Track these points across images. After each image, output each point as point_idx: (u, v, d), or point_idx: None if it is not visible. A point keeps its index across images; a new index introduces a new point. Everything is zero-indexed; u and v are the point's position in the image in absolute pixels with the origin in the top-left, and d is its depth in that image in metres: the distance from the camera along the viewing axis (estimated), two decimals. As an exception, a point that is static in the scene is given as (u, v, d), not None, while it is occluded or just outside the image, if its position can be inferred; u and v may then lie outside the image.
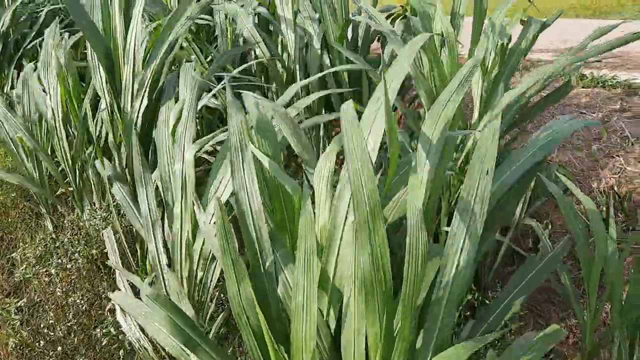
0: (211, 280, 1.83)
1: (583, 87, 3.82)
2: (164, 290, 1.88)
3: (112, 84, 2.12)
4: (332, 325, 1.25)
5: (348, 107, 1.22)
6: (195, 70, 2.11)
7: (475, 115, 2.35)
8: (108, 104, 2.25)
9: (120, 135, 2.24)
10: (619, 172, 2.98)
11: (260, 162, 1.40)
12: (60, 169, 2.84)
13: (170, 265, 1.84)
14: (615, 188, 2.92)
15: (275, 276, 1.29)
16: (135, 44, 2.07)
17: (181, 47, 2.91)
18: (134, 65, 2.10)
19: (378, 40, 3.13)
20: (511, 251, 2.53)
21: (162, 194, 1.97)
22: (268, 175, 1.41)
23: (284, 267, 1.30)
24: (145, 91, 2.09)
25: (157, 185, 2.16)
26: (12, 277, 2.82)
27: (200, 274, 1.80)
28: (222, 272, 1.96)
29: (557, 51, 5.15)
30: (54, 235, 2.67)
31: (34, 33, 4.19)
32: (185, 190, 1.81)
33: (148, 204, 1.77)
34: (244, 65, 2.54)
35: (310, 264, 1.18)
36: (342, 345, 1.19)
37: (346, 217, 1.20)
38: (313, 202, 1.67)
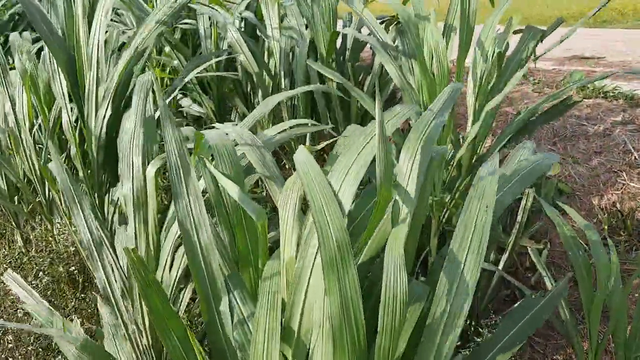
0: (178, 311, 1.67)
1: (584, 98, 3.67)
2: (121, 321, 1.72)
3: (74, 91, 1.97)
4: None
5: (301, 154, 1.09)
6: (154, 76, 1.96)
7: (469, 126, 2.20)
8: (69, 113, 2.10)
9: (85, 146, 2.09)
10: (621, 188, 2.83)
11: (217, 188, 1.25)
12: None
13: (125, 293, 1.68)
14: (618, 205, 2.76)
15: (231, 318, 1.13)
16: (98, 47, 1.92)
17: (160, 52, 2.76)
18: (97, 70, 1.95)
19: (370, 48, 2.98)
20: (507, 272, 2.37)
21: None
22: (229, 202, 1.26)
23: (242, 307, 1.14)
24: (110, 99, 1.93)
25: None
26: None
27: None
28: (191, 297, 1.82)
29: (559, 60, 5.01)
30: (23, 250, 2.53)
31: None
32: (140, 211, 1.66)
33: (89, 227, 1.60)
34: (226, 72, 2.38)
35: (273, 304, 1.03)
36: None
37: (316, 255, 1.04)
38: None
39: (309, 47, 2.58)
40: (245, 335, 1.12)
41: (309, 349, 1.06)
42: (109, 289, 1.70)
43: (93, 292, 2.22)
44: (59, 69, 1.98)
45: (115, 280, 1.73)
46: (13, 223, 2.62)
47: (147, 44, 2.00)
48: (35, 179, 2.48)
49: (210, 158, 1.38)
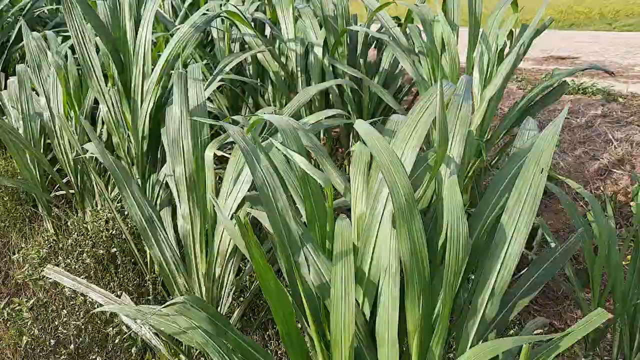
0: (228, 277, 1.86)
1: (566, 94, 3.97)
2: (176, 290, 1.91)
3: (122, 83, 2.14)
4: (367, 314, 1.30)
5: (362, 125, 1.31)
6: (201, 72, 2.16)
7: (476, 112, 2.44)
8: (112, 106, 2.27)
9: (127, 136, 2.26)
10: (604, 174, 3.12)
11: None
12: (56, 168, 2.84)
13: (179, 265, 1.87)
14: (601, 189, 3.05)
15: (308, 268, 1.34)
16: (145, 45, 2.10)
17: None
18: (143, 66, 2.13)
19: (375, 47, 3.21)
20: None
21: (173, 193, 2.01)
22: (295, 171, 1.47)
23: (317, 259, 1.35)
24: (152, 93, 2.12)
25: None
26: (8, 280, 2.80)
27: (217, 270, 1.84)
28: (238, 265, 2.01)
29: (537, 60, 5.34)
30: (55, 237, 2.67)
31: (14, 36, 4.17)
32: (195, 190, 1.85)
33: (140, 207, 1.79)
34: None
35: (347, 255, 1.24)
36: (377, 331, 1.24)
37: (384, 210, 1.26)
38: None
39: (322, 45, 2.80)
40: (320, 280, 1.33)
41: (377, 288, 1.27)
42: (164, 263, 1.88)
43: (131, 272, 2.39)
44: (95, 65, 2.16)
45: (168, 255, 1.92)
46: (46, 212, 2.76)
47: (183, 45, 2.20)
48: (69, 169, 2.64)
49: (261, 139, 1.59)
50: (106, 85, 2.28)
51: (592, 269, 1.79)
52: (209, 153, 1.77)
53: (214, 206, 1.85)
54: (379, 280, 1.27)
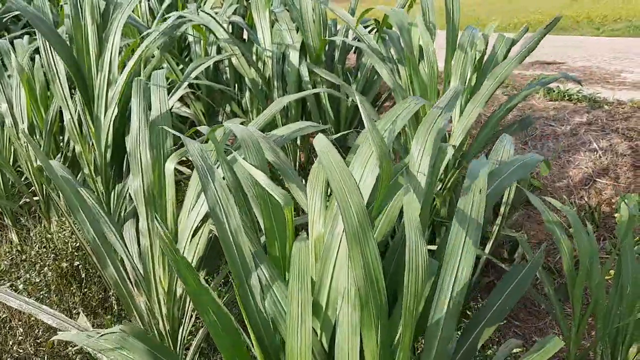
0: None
1: (550, 100, 3.91)
2: (134, 311, 1.80)
3: (83, 92, 2.05)
4: (325, 344, 1.22)
5: (321, 142, 1.22)
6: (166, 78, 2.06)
7: (455, 125, 2.36)
8: (74, 114, 2.17)
9: (92, 145, 2.17)
10: (588, 184, 3.05)
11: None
12: (23, 177, 2.73)
13: (140, 282, 1.77)
14: (586, 199, 2.98)
15: (262, 293, 1.25)
16: (112, 51, 2.00)
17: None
18: (109, 73, 2.03)
19: (354, 52, 3.13)
20: (486, 261, 2.54)
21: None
22: (254, 190, 1.38)
23: (271, 283, 1.26)
24: (117, 101, 2.02)
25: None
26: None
27: (179, 290, 1.74)
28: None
29: (523, 65, 5.28)
30: (19, 248, 2.56)
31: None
32: (154, 205, 1.75)
33: (92, 224, 1.69)
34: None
35: (303, 278, 1.15)
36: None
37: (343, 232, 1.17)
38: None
39: (299, 50, 2.71)
40: (275, 305, 1.24)
41: (336, 314, 1.19)
42: (119, 282, 1.78)
43: (95, 286, 2.29)
44: (58, 70, 2.06)
45: (127, 273, 1.82)
46: (10, 222, 2.65)
47: (150, 52, 2.11)
48: (33, 178, 2.53)
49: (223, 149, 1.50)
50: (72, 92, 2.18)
51: (572, 288, 1.71)
52: (169, 166, 1.68)
53: (175, 221, 1.76)
54: (337, 306, 1.18)
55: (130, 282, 1.77)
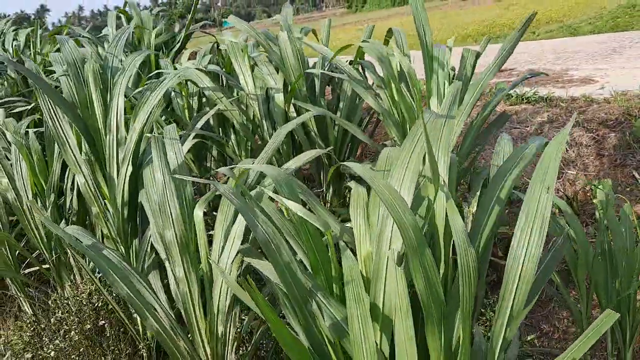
0: (230, 332, 1.86)
1: (511, 105, 4.18)
2: (177, 354, 1.88)
3: (94, 155, 2.13)
4: (386, 352, 1.34)
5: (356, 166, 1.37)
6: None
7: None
8: (87, 176, 2.25)
9: (104, 205, 2.24)
10: (562, 177, 3.29)
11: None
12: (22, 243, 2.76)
13: (176, 329, 1.84)
14: (561, 191, 3.21)
15: (322, 316, 1.37)
16: (118, 113, 2.11)
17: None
18: (117, 134, 2.13)
19: (328, 85, 3.31)
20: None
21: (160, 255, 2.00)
22: (292, 220, 1.50)
23: (329, 306, 1.38)
24: (129, 159, 2.12)
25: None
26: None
27: (220, 328, 1.83)
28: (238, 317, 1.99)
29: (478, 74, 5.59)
30: (34, 318, 2.58)
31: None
32: (188, 252, 1.84)
33: (124, 281, 1.78)
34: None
35: (360, 297, 1.28)
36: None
37: (389, 248, 1.31)
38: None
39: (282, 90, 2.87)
40: (335, 325, 1.36)
41: (392, 325, 1.31)
42: (161, 331, 1.85)
43: (122, 343, 2.33)
44: (69, 136, 2.15)
45: (165, 322, 1.90)
46: (19, 292, 2.67)
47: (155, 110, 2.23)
48: (42, 246, 2.57)
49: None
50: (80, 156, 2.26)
51: (575, 271, 1.89)
52: (199, 212, 1.78)
53: (208, 264, 1.85)
54: (393, 318, 1.31)
55: (172, 329, 1.84)
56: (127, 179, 2.12)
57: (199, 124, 2.34)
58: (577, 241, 1.91)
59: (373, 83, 2.70)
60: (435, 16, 17.11)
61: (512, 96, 4.25)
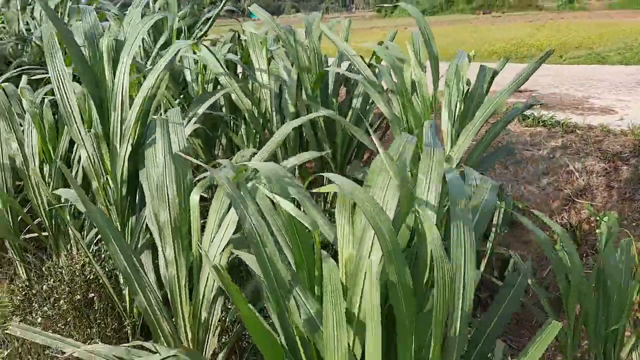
0: (214, 319, 1.87)
1: (526, 127, 4.15)
2: (160, 334, 1.89)
3: (103, 127, 2.16)
4: (358, 355, 1.34)
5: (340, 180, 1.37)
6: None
7: (447, 149, 2.53)
8: (90, 151, 2.27)
9: (106, 180, 2.26)
10: (568, 204, 3.26)
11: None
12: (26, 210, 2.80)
13: (162, 310, 1.86)
14: (566, 218, 3.18)
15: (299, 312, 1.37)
16: (123, 89, 2.12)
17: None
18: (122, 110, 2.15)
19: (344, 86, 3.31)
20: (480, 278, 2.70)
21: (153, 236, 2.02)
22: (282, 216, 1.51)
23: (306, 303, 1.38)
24: (129, 137, 2.14)
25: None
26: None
27: (204, 314, 1.84)
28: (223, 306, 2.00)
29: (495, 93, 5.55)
30: (27, 283, 2.61)
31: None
32: (180, 235, 1.86)
33: (124, 254, 1.79)
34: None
35: (337, 300, 1.28)
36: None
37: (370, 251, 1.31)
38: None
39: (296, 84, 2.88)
40: (310, 323, 1.36)
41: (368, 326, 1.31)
42: (149, 309, 1.87)
43: (109, 318, 2.36)
44: (74, 109, 2.17)
45: (153, 301, 1.91)
46: (17, 257, 2.71)
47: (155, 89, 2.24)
48: (43, 213, 2.61)
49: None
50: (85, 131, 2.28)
51: (566, 299, 1.87)
52: (195, 197, 1.79)
53: (199, 250, 1.86)
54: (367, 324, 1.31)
55: (159, 309, 1.86)
56: (127, 155, 2.14)
57: (202, 109, 2.35)
58: (572, 270, 1.89)
59: (387, 88, 2.70)
60: (466, 30, 17.00)
61: (528, 118, 4.22)
